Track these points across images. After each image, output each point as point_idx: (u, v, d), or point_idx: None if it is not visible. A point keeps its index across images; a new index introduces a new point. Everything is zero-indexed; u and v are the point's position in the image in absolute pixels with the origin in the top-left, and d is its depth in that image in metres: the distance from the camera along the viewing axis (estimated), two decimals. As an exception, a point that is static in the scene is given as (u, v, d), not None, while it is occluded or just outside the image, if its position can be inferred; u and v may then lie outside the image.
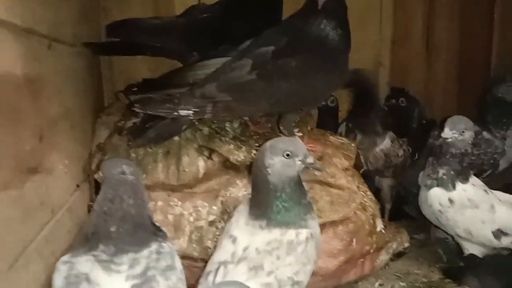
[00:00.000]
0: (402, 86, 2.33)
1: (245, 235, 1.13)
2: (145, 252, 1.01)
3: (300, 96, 1.35)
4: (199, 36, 1.59)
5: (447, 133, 1.49)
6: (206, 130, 1.50)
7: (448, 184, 1.52)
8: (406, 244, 1.76)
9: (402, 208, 2.06)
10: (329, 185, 1.47)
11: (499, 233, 1.52)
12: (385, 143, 1.88)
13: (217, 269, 1.12)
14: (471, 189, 1.54)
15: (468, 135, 1.52)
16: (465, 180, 1.54)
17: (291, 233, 1.11)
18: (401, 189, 2.01)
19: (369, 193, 1.63)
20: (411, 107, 2.13)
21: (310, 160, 1.13)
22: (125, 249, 0.99)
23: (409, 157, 1.96)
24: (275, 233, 1.11)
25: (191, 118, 1.29)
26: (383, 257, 1.66)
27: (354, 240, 1.44)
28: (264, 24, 1.46)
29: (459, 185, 1.53)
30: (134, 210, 1.03)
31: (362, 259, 1.54)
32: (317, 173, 1.41)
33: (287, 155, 1.11)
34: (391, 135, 1.91)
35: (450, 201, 1.53)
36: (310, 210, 1.17)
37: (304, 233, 1.12)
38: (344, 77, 1.43)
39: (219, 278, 1.11)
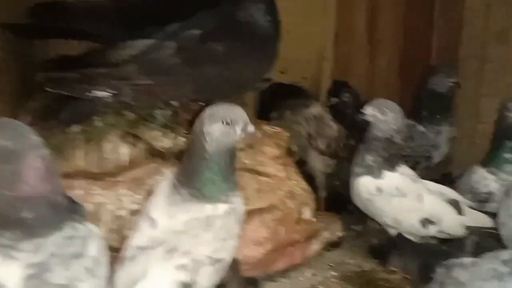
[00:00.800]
0: (345, 79, 2.36)
1: (164, 216, 1.09)
2: (54, 236, 0.91)
3: (226, 83, 1.32)
4: (131, 20, 1.53)
5: (368, 110, 1.49)
6: (132, 115, 1.45)
7: (376, 172, 1.53)
8: (339, 234, 1.76)
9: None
10: (258, 173, 1.45)
11: (426, 222, 1.54)
12: (316, 108, 1.87)
13: (135, 255, 1.08)
14: (399, 178, 1.56)
15: (391, 117, 1.51)
16: (392, 168, 1.55)
17: (209, 208, 1.08)
18: (337, 179, 2.02)
19: (302, 182, 1.63)
20: (353, 102, 2.14)
21: (251, 128, 1.10)
22: (32, 233, 0.90)
23: (345, 140, 1.95)
24: (194, 209, 1.07)
25: (109, 100, 1.24)
26: (315, 246, 1.66)
27: (281, 228, 1.42)
28: (198, 7, 1.42)
29: (387, 174, 1.54)
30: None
31: (292, 248, 1.52)
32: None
33: (227, 122, 1.07)
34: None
35: (378, 189, 1.54)
36: (235, 187, 1.14)
37: (222, 207, 1.09)
38: (273, 64, 1.41)
39: (136, 264, 1.07)
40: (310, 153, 1.93)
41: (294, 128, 1.86)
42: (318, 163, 1.95)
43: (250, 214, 1.39)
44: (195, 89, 1.29)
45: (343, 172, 1.90)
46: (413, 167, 2.12)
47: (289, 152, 1.70)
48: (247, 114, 1.65)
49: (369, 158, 1.53)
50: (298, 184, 1.58)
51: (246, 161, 1.43)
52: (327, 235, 1.71)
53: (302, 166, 1.85)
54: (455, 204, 1.55)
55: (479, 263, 0.90)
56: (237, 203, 1.13)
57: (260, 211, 1.42)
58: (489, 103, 2.01)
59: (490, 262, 0.86)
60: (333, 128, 1.89)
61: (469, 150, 2.08)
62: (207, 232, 1.06)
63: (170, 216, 1.08)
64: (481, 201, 1.61)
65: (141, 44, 1.32)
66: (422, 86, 2.09)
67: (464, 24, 2.11)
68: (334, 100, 2.14)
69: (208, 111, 1.10)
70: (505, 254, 0.86)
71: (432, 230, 1.56)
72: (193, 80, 1.27)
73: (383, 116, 1.50)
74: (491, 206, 1.58)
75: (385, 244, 1.69)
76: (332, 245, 1.77)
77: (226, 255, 1.10)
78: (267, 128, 1.66)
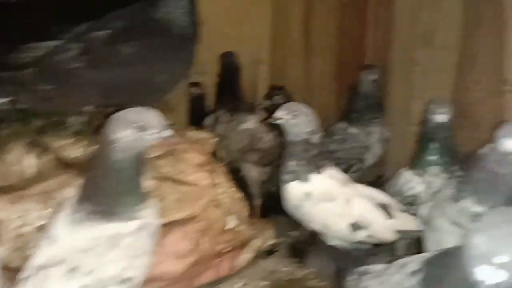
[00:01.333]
0: (282, 83, 2.33)
1: (65, 234, 1.00)
2: None
3: (138, 86, 1.24)
4: (37, 19, 1.42)
5: (279, 114, 1.46)
6: (39, 123, 1.34)
7: (302, 177, 1.49)
8: (272, 241, 1.71)
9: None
10: (178, 182, 1.37)
11: (355, 227, 1.52)
12: (251, 121, 1.82)
13: (34, 274, 0.98)
14: (326, 181, 1.52)
15: (302, 119, 1.46)
16: (319, 171, 1.51)
17: (114, 226, 0.98)
18: (274, 185, 1.97)
19: (231, 189, 1.56)
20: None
21: (167, 133, 0.99)
22: None
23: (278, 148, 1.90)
24: (99, 227, 0.98)
25: (6, 107, 1.13)
26: (247, 255, 1.60)
27: (204, 239, 1.35)
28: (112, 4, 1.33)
29: (314, 177, 1.50)
30: None
31: (218, 259, 1.46)
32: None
33: (138, 127, 0.97)
34: (259, 116, 1.86)
35: (306, 194, 1.49)
36: (145, 199, 1.03)
37: (131, 224, 0.99)
38: (190, 67, 1.34)
39: (35, 285, 0.97)
40: (242, 164, 1.88)
41: (226, 143, 1.80)
42: (252, 173, 1.91)
43: (170, 226, 1.32)
44: (103, 94, 1.20)
45: (278, 177, 1.87)
46: (346, 170, 2.13)
47: (217, 158, 1.64)
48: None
49: (292, 164, 1.49)
50: (225, 192, 1.51)
51: (165, 169, 1.35)
52: (258, 243, 1.65)
53: (234, 173, 1.80)
54: (385, 208, 1.53)
55: (388, 273, 0.87)
56: (149, 217, 1.04)
57: (181, 222, 1.34)
58: (419, 105, 2.02)
59: (398, 273, 0.83)
60: (265, 140, 1.84)
61: (400, 152, 2.08)
62: (113, 251, 0.97)
63: (73, 234, 0.99)
64: (408, 204, 1.60)
65: (45, 46, 1.22)
66: (353, 89, 2.09)
67: (394, 27, 2.13)
68: (266, 102, 2.11)
69: (116, 116, 1.01)
70: (413, 265, 0.83)
71: (361, 235, 1.51)
72: (99, 85, 1.18)
73: (294, 119, 1.47)
74: (418, 209, 1.58)
75: (304, 245, 1.66)
76: (269, 253, 1.72)
77: (137, 273, 1.02)
78: (191, 134, 1.60)
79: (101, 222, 0.98)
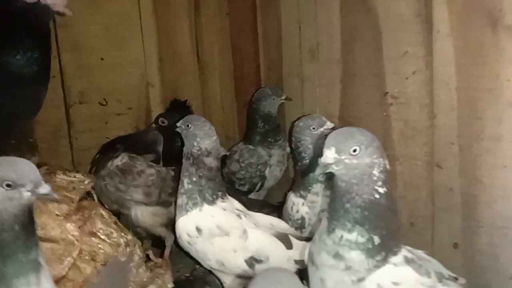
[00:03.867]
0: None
1: None
2: None
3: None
4: None
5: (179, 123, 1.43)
6: None
7: (193, 209, 1.38)
8: (170, 285, 1.56)
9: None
10: (39, 238, 1.19)
11: (252, 261, 1.41)
12: (121, 158, 1.67)
13: None
14: (220, 213, 1.41)
15: (198, 131, 1.40)
16: (213, 202, 1.40)
17: None
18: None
19: (113, 236, 1.40)
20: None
21: (44, 190, 0.88)
22: None
23: (171, 180, 1.75)
24: None
25: None
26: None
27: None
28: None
29: (206, 209, 1.39)
30: None
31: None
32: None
33: (8, 185, 0.87)
34: (129, 154, 1.72)
35: (198, 230, 1.38)
36: (35, 267, 0.90)
37: None
38: (35, 110, 1.17)
39: None
40: (130, 206, 1.70)
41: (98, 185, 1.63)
42: (144, 216, 1.73)
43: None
44: None
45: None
46: (250, 190, 2.06)
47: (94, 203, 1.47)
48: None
49: (183, 195, 1.38)
50: (104, 241, 1.35)
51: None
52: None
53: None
54: (284, 238, 1.43)
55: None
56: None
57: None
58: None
59: None
60: (146, 173, 1.68)
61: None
62: None
63: None
64: (298, 228, 1.55)
65: None
66: (253, 110, 2.04)
67: (283, 42, 2.09)
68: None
69: None
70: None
71: (258, 269, 1.40)
72: None
73: (190, 130, 1.40)
74: (307, 231, 1.53)
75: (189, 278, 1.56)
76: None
77: None
78: (61, 177, 1.42)
79: None
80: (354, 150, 0.95)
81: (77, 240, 1.24)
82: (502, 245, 1.30)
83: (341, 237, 0.95)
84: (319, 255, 0.98)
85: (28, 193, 0.88)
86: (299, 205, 1.56)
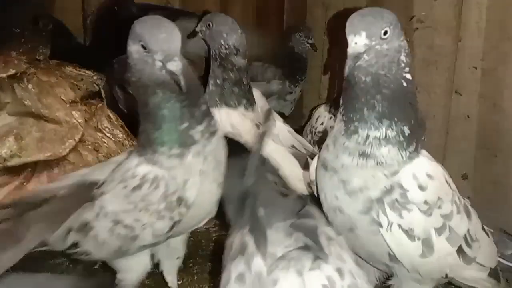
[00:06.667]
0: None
1: None
2: None
3: None
4: None
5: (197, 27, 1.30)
6: None
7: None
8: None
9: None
10: (43, 118, 1.18)
11: None
12: None
13: None
14: (235, 118, 1.25)
15: (220, 29, 1.25)
16: (231, 107, 1.25)
17: None
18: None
19: (117, 135, 1.40)
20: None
21: (172, 66, 0.83)
22: None
23: None
24: None
25: None
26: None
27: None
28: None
29: (224, 110, 1.25)
30: None
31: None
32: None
33: (143, 46, 0.84)
34: None
35: None
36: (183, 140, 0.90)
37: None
38: None
39: None
40: None
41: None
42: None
43: (33, 168, 1.15)
44: None
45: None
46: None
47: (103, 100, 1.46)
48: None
49: (207, 94, 1.21)
50: (107, 137, 1.35)
51: (27, 102, 1.16)
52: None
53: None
54: (302, 158, 1.28)
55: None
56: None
57: (47, 165, 1.17)
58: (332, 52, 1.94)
59: None
60: None
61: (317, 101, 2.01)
62: None
63: None
64: (316, 142, 1.47)
65: None
66: (280, 44, 1.92)
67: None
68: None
69: None
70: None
71: None
72: None
73: (211, 29, 1.25)
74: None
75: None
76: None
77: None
78: (69, 69, 1.40)
79: None
80: (385, 33, 0.80)
81: (81, 125, 1.23)
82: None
83: (367, 136, 0.83)
84: (337, 159, 0.87)
85: (160, 63, 0.83)
86: (326, 118, 1.48)
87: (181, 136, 0.88)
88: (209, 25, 1.29)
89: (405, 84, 0.83)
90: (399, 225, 0.83)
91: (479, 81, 1.31)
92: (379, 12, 0.82)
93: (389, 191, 0.83)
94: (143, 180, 0.89)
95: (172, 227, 0.92)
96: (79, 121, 1.25)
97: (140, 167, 0.89)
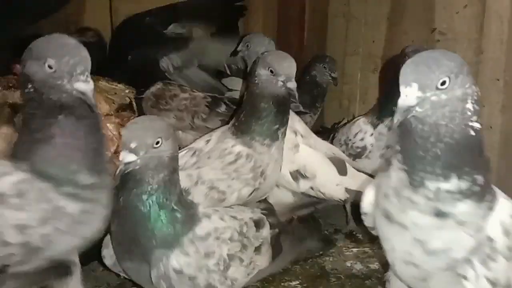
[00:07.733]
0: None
1: None
2: None
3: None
4: None
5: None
6: None
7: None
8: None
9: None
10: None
11: (297, 175, 1.37)
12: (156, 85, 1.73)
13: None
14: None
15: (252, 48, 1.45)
16: None
17: None
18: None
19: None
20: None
21: (291, 84, 1.14)
22: None
23: (206, 106, 1.77)
24: None
25: None
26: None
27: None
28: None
29: None
30: None
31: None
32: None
33: (271, 70, 1.14)
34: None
35: None
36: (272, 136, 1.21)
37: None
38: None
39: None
40: None
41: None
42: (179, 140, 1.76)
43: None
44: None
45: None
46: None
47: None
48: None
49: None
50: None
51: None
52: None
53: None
54: (339, 163, 1.38)
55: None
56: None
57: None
58: (353, 62, 1.97)
59: None
60: (180, 97, 1.72)
61: (336, 110, 2.05)
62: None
63: None
64: (352, 155, 1.51)
65: None
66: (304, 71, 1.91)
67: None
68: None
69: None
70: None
71: (304, 186, 1.37)
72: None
73: (249, 50, 1.41)
74: (361, 162, 1.49)
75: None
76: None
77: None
78: (104, 84, 1.47)
79: None
80: (443, 83, 0.72)
81: (116, 138, 1.29)
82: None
83: (438, 189, 0.74)
84: (404, 214, 0.78)
85: (281, 83, 1.14)
86: (367, 133, 1.50)
87: (273, 133, 1.19)
88: (247, 45, 1.38)
89: (472, 133, 0.75)
90: (487, 278, 0.78)
91: (502, 91, 1.33)
92: (436, 58, 0.73)
93: (477, 249, 0.77)
94: (238, 156, 1.19)
95: (251, 194, 1.19)
96: (114, 133, 1.31)
97: (236, 147, 1.20)
